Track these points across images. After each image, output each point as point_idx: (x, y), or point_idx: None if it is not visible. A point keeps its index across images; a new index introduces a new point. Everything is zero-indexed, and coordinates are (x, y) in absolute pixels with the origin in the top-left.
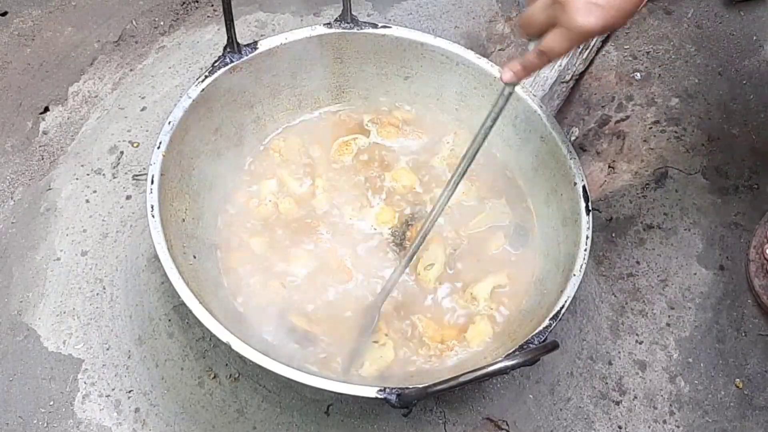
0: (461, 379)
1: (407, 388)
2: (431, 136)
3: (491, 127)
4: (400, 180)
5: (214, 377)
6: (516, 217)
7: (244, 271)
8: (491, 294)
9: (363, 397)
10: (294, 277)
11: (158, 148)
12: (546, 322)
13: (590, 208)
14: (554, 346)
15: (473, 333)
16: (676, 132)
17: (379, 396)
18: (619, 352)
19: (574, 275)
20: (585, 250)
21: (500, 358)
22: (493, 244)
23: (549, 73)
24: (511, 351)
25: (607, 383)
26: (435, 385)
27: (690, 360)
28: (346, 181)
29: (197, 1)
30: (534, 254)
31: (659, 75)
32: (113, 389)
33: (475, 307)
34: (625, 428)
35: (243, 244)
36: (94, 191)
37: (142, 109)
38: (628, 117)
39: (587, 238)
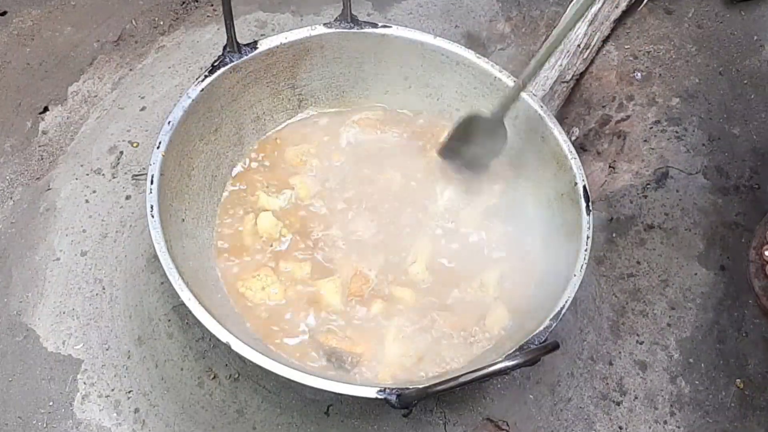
0: (461, 380)
1: (407, 388)
2: (430, 135)
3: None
4: (395, 178)
5: (214, 377)
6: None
7: (245, 271)
8: (500, 280)
9: (363, 398)
10: (295, 274)
11: (158, 148)
12: (546, 323)
13: (590, 208)
14: (555, 347)
15: (492, 320)
16: (676, 132)
17: (379, 396)
18: (620, 353)
19: (575, 275)
20: (585, 250)
21: (500, 359)
22: (492, 240)
23: (549, 73)
24: (511, 351)
25: (607, 383)
26: (435, 385)
27: (691, 360)
28: (345, 178)
29: (197, 1)
30: (534, 254)
31: (660, 75)
32: (113, 390)
33: (488, 295)
34: (626, 429)
35: (243, 244)
36: (94, 191)
37: (142, 109)
38: (628, 117)
39: (587, 238)
